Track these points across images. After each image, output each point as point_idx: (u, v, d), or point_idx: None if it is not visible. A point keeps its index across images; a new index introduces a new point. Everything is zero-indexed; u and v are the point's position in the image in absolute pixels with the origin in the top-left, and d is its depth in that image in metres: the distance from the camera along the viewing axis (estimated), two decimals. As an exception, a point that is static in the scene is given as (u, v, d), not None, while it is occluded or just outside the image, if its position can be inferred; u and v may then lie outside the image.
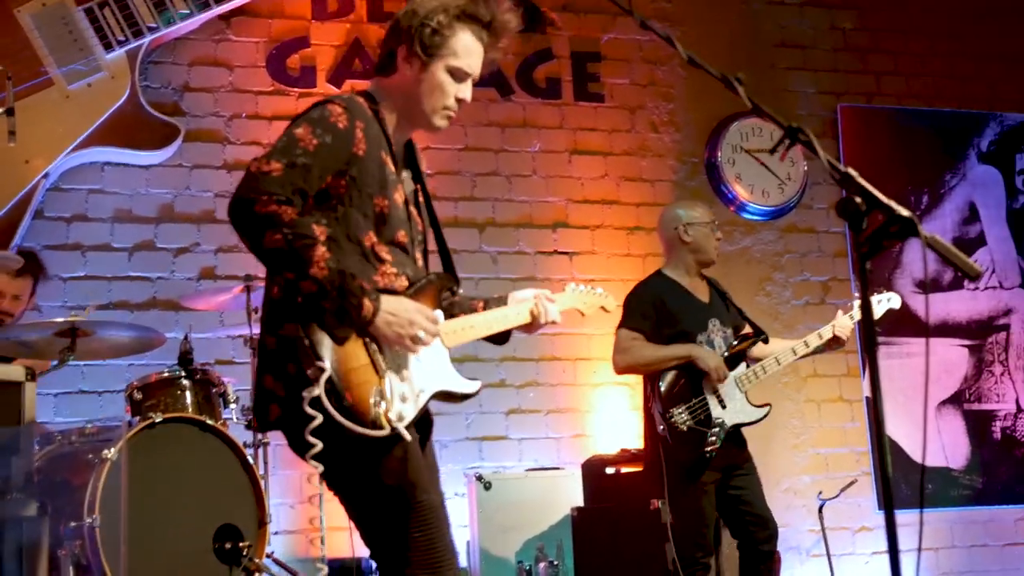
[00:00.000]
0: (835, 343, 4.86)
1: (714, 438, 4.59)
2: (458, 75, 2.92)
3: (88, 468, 4.15)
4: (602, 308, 3.55)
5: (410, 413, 2.74)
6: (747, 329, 4.92)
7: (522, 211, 6.38)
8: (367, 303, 2.64)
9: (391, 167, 2.89)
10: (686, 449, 4.59)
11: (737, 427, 4.70)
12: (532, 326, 3.11)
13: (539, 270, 6.33)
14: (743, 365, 4.77)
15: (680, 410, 4.62)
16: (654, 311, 4.78)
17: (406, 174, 3.01)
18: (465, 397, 2.94)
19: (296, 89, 6.09)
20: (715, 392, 4.67)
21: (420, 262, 2.97)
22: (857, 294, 5.06)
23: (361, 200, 2.80)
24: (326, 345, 2.62)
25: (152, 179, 5.81)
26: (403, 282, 2.83)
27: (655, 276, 4.99)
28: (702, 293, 4.92)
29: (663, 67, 6.77)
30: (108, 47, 5.55)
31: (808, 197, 6.91)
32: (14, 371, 4.01)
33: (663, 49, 6.55)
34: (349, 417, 2.61)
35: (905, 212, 2.19)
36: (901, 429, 6.27)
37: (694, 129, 6.81)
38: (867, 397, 6.62)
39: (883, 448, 2.17)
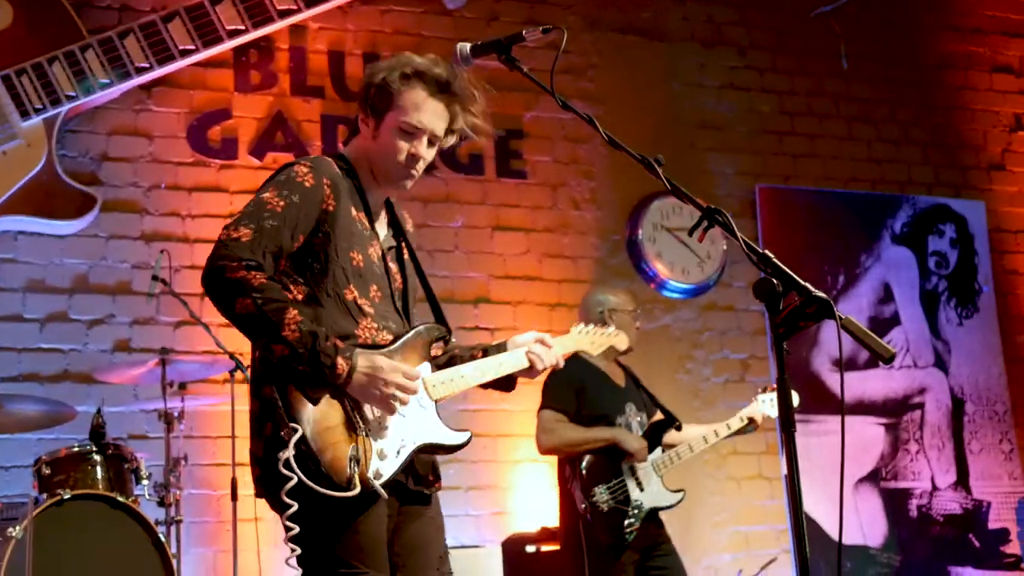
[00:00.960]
0: (750, 426, 4.97)
1: (632, 519, 4.66)
2: (408, 130, 2.92)
3: (-8, 546, 4.02)
4: (613, 348, 3.65)
5: (389, 469, 2.73)
6: (658, 416, 4.98)
7: (444, 286, 6.36)
8: (341, 362, 2.65)
9: (364, 223, 2.93)
10: (606, 529, 4.62)
11: (654, 510, 4.75)
12: (532, 371, 3.09)
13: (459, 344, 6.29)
14: (659, 450, 4.84)
15: (601, 489, 4.66)
16: (574, 394, 4.82)
17: (385, 231, 3.05)
18: (453, 448, 2.90)
19: (217, 160, 6.04)
20: (633, 474, 4.72)
21: (399, 316, 2.96)
22: (760, 389, 5.19)
23: (338, 255, 2.83)
24: (302, 406, 2.66)
25: (67, 249, 5.70)
26: (386, 336, 2.86)
27: (574, 359, 5.01)
28: (618, 377, 5.01)
29: (585, 145, 6.84)
30: (25, 115, 5.48)
31: (728, 275, 6.99)
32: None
33: (584, 127, 6.52)
34: (321, 478, 2.62)
35: (820, 294, 2.22)
36: (820, 507, 6.30)
37: (615, 207, 6.88)
38: (785, 475, 6.65)
39: (801, 527, 2.18)
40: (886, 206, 7.50)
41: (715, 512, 6.65)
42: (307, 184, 2.81)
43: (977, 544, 7.14)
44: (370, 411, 2.73)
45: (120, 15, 5.95)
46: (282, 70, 6.28)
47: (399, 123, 2.91)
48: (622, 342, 3.54)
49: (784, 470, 6.61)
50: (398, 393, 2.71)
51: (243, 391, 5.35)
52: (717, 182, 7.12)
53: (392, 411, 2.74)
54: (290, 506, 2.62)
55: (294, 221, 2.77)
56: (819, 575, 6.47)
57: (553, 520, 5.23)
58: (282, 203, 2.76)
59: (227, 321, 2.71)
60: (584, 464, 4.70)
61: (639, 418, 4.92)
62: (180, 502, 4.87)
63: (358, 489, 2.65)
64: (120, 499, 4.25)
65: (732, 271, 7.01)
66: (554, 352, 3.12)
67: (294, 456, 2.60)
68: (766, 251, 2.32)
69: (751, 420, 4.96)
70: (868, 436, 7.04)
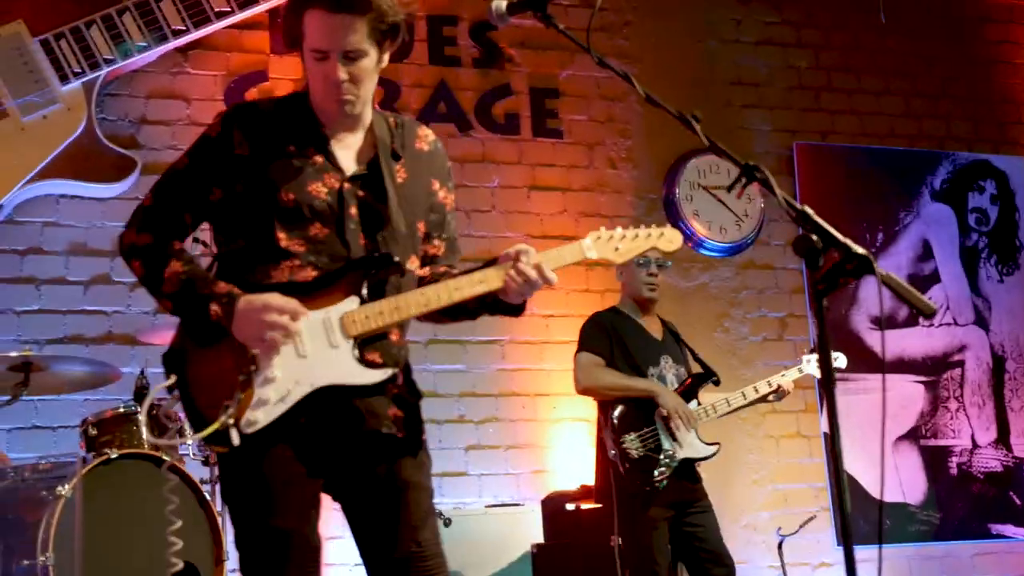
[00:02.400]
0: (779, 393, 5.00)
1: (664, 468, 4.66)
2: (318, 57, 2.72)
3: (42, 505, 4.08)
4: (656, 249, 3.03)
5: (266, 416, 2.60)
6: (697, 369, 5.01)
7: (481, 246, 6.37)
8: (213, 307, 2.63)
9: (315, 159, 2.76)
10: (636, 476, 4.65)
11: (687, 462, 4.76)
12: (509, 293, 2.73)
13: (498, 305, 6.31)
14: (694, 403, 4.86)
15: (632, 437, 4.70)
16: (609, 340, 4.88)
17: (353, 162, 2.81)
18: (365, 388, 2.66)
19: (255, 123, 6.06)
20: (666, 424, 4.73)
21: (348, 250, 2.73)
22: (807, 351, 5.22)
23: (262, 198, 2.71)
24: (191, 351, 2.70)
25: (108, 212, 5.75)
26: (309, 273, 2.70)
27: (609, 310, 5.11)
28: (655, 330, 5.06)
29: (621, 103, 6.81)
30: (64, 79, 5.51)
31: (765, 233, 6.96)
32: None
33: (621, 86, 6.52)
34: (199, 423, 2.63)
35: (861, 250, 2.21)
36: (858, 465, 6.30)
37: (652, 165, 6.85)
38: (825, 433, 6.65)
39: (841, 485, 2.18)
40: (925, 162, 7.43)
41: (753, 470, 6.66)
42: (211, 134, 2.77)
43: (1018, 502, 7.11)
44: (265, 355, 2.62)
45: (156, -22, 5.97)
46: (318, 32, 6.27)
47: (310, 51, 2.73)
48: (669, 242, 2.98)
49: (823, 428, 6.62)
50: (269, 333, 2.59)
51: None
52: (754, 139, 7.08)
53: (265, 348, 2.61)
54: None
55: (198, 175, 2.75)
56: (859, 533, 6.45)
57: (592, 478, 5.27)
58: (186, 160, 2.78)
59: None
60: (617, 412, 4.73)
61: (675, 371, 4.95)
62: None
63: (236, 441, 2.57)
64: (165, 458, 4.31)
65: (770, 229, 6.97)
66: (533, 272, 2.72)
67: (181, 400, 2.67)
68: (805, 207, 2.31)
69: (779, 388, 4.98)
70: (907, 394, 7.01)
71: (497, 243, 6.41)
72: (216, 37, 5.99)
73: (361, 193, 2.78)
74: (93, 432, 4.41)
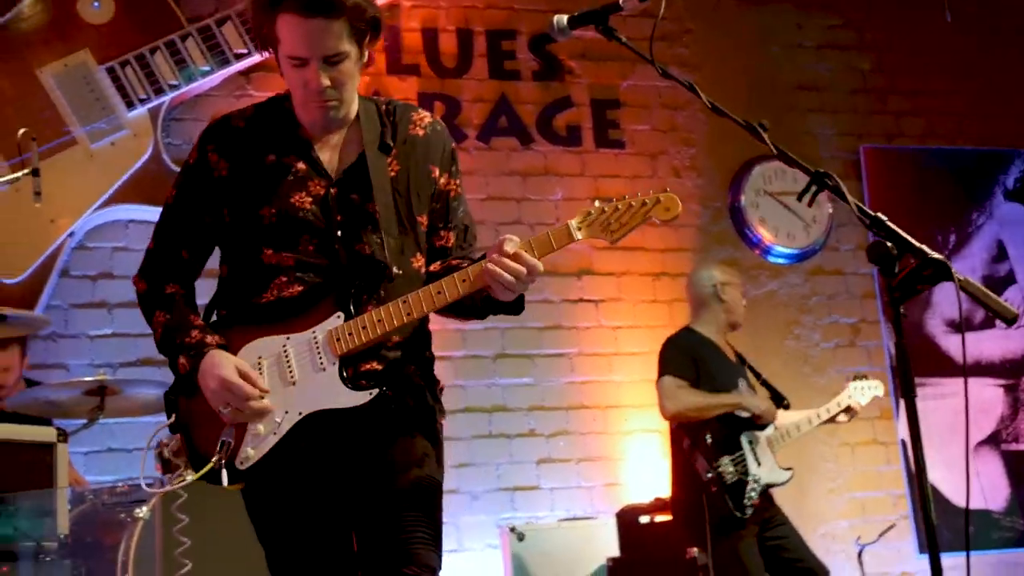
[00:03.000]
0: (851, 413, 5.02)
1: (753, 493, 4.71)
2: (296, 64, 2.53)
3: (120, 528, 4.12)
4: (653, 219, 2.70)
5: (259, 451, 2.53)
6: (767, 394, 5.07)
7: (547, 260, 6.29)
8: (182, 360, 2.59)
9: (296, 166, 2.62)
10: (731, 499, 4.70)
11: (768, 486, 4.84)
12: (494, 289, 2.50)
13: (565, 318, 6.30)
14: (770, 427, 4.88)
15: (726, 461, 4.73)
16: (692, 363, 4.88)
17: (336, 161, 2.65)
18: (354, 414, 2.51)
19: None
20: (752, 448, 4.75)
21: (338, 258, 2.59)
22: (851, 377, 5.23)
23: (245, 217, 2.62)
24: (190, 392, 2.61)
25: (177, 236, 5.81)
26: (295, 289, 2.58)
27: (686, 331, 5.09)
28: (730, 353, 5.07)
29: (683, 112, 6.77)
30: (130, 105, 5.59)
31: (834, 239, 6.88)
32: (45, 432, 4.00)
33: (682, 94, 6.45)
34: (197, 460, 2.59)
35: (937, 256, 2.17)
36: (937, 472, 6.18)
37: (716, 173, 6.80)
38: (902, 440, 6.55)
39: (925, 493, 2.14)
40: (997, 161, 7.29)
41: (830, 479, 6.57)
42: (190, 162, 2.69)
43: (1103, 505, 6.95)
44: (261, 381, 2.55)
45: (216, 2, 6.03)
46: (377, 49, 6.30)
47: (286, 58, 2.55)
48: (666, 210, 2.65)
49: (900, 434, 6.51)
50: (224, 410, 2.53)
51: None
52: (819, 144, 6.99)
53: (227, 420, 2.54)
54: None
55: (185, 207, 2.69)
56: (942, 541, 6.33)
57: (666, 491, 5.24)
58: (174, 193, 2.71)
59: None
60: (710, 434, 4.74)
61: (752, 393, 5.01)
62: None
63: (225, 482, 2.54)
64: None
65: (839, 234, 6.89)
66: (512, 262, 2.48)
67: (184, 444, 2.63)
68: (878, 214, 2.27)
69: (849, 409, 5.00)
70: (987, 398, 6.87)
71: (562, 255, 6.36)
72: (278, 59, 6.02)
73: (349, 196, 2.62)
74: (168, 455, 4.44)
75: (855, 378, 5.12)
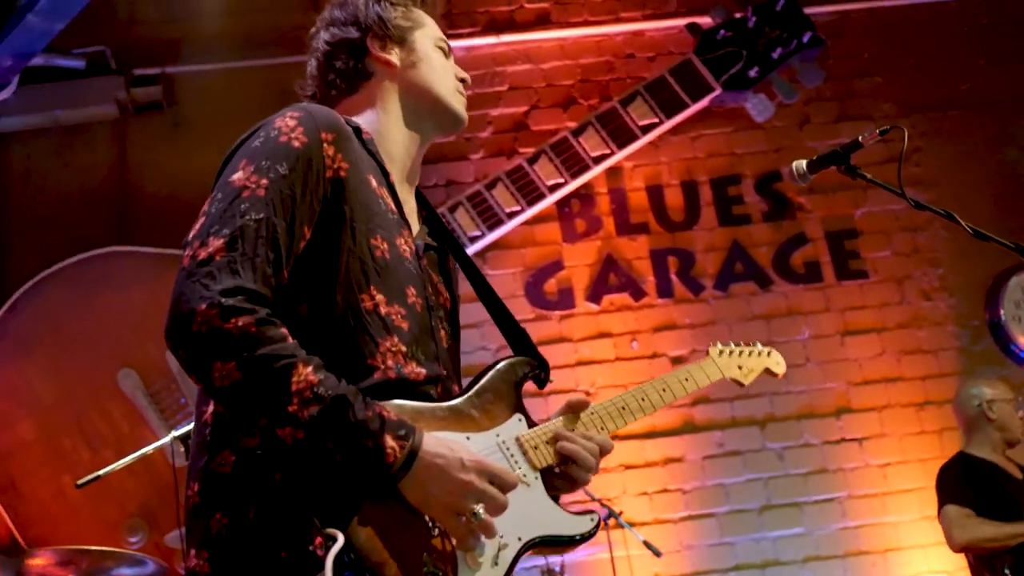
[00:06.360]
0: None
1: None
2: (445, 50, 2.34)
3: None
4: (768, 371, 2.73)
5: None
6: None
7: (801, 402, 6.15)
8: (390, 444, 1.77)
9: (389, 203, 2.09)
10: None
11: None
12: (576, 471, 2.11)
13: (828, 461, 6.04)
14: None
15: None
16: (973, 488, 4.59)
17: (418, 224, 2.24)
18: (573, 541, 2.06)
19: (556, 312, 6.15)
20: (1053, 575, 4.40)
21: (436, 347, 2.08)
22: None
23: (355, 240, 1.96)
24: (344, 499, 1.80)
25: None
26: (417, 370, 1.96)
27: (960, 457, 4.83)
28: (1013, 469, 4.75)
29: (924, 232, 6.52)
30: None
31: (1110, 343, 6.42)
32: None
33: (920, 214, 6.31)
34: None
35: None
36: None
37: (969, 290, 6.48)
38: None
39: None
40: None
41: None
42: (296, 145, 1.94)
43: None
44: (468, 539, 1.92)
45: (446, 191, 6.23)
46: (605, 213, 6.37)
47: (435, 41, 2.31)
48: (778, 364, 2.75)
49: None
50: (479, 510, 1.84)
51: (621, 537, 5.33)
52: (1078, 246, 6.59)
53: (464, 539, 1.85)
54: None
55: (289, 204, 1.89)
56: None
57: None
58: (264, 181, 1.88)
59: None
60: (1009, 566, 4.41)
61: None
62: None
63: None
64: None
65: (1114, 338, 6.42)
66: (589, 445, 2.11)
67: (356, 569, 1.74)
68: None
69: None
70: None
71: (817, 396, 6.18)
72: (510, 235, 6.15)
73: (432, 273, 2.20)
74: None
75: None
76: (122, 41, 6.32)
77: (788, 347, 6.23)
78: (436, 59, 2.27)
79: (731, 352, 2.68)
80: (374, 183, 2.06)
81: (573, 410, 2.20)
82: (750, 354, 2.72)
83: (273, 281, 1.83)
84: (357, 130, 2.12)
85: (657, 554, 5.10)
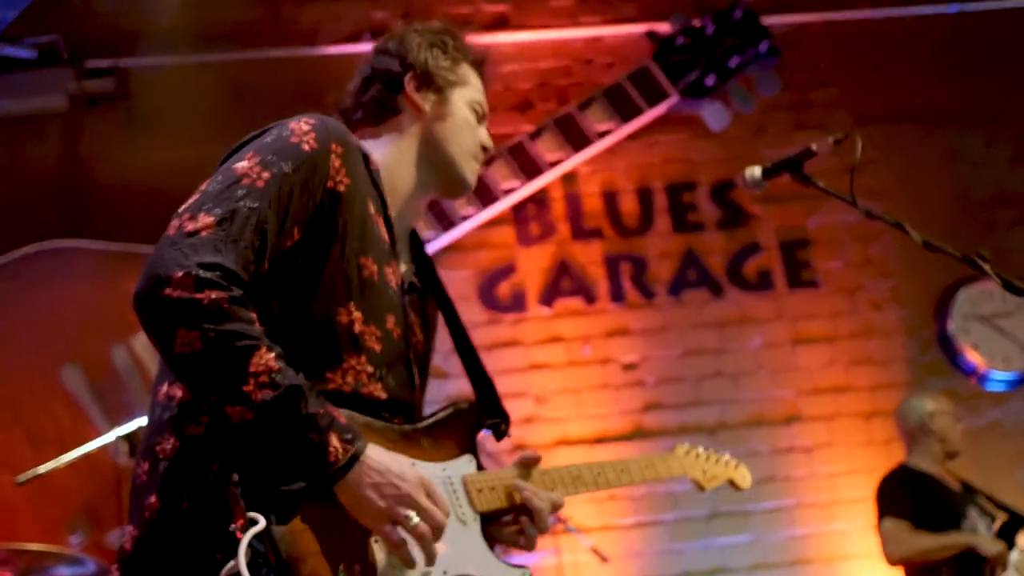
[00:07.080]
0: None
1: None
2: (480, 114, 2.33)
3: None
4: (731, 483, 2.76)
5: None
6: (1004, 516, 4.72)
7: (751, 410, 6.17)
8: (334, 443, 1.77)
9: (383, 230, 2.11)
10: None
11: None
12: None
13: (777, 469, 6.06)
14: (1016, 551, 4.53)
15: None
16: (912, 500, 4.62)
17: (407, 264, 2.24)
18: None
19: (509, 315, 6.14)
20: (993, 586, 4.43)
21: (410, 379, 2.11)
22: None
23: (343, 256, 1.99)
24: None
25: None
26: (377, 389, 1.98)
27: (901, 469, 4.88)
28: (952, 482, 4.80)
29: (876, 243, 6.56)
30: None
31: (1056, 358, 6.48)
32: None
33: (874, 225, 6.34)
34: None
35: None
36: None
37: (919, 302, 6.52)
38: None
39: None
40: None
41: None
42: (305, 148, 1.97)
43: None
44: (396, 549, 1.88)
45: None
46: (560, 217, 6.36)
47: (471, 103, 2.30)
48: (743, 478, 2.80)
49: None
50: (414, 517, 1.82)
51: (569, 543, 5.31)
52: (1029, 260, 6.66)
53: (398, 549, 1.82)
54: None
55: (285, 201, 1.91)
56: None
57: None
58: (266, 174, 1.91)
59: None
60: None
61: (985, 522, 4.66)
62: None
63: None
64: None
65: (1061, 352, 6.49)
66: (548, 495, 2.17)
67: (247, 562, 1.68)
68: None
69: None
70: None
71: (767, 404, 6.20)
72: (464, 238, 6.12)
73: (411, 312, 2.20)
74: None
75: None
76: (76, 31, 6.22)
77: (739, 355, 6.26)
78: (465, 119, 2.28)
79: (697, 455, 2.71)
80: (372, 208, 2.08)
81: (525, 465, 2.24)
82: (716, 461, 2.75)
83: (252, 268, 1.85)
84: (366, 157, 2.15)
85: (605, 560, 5.10)
